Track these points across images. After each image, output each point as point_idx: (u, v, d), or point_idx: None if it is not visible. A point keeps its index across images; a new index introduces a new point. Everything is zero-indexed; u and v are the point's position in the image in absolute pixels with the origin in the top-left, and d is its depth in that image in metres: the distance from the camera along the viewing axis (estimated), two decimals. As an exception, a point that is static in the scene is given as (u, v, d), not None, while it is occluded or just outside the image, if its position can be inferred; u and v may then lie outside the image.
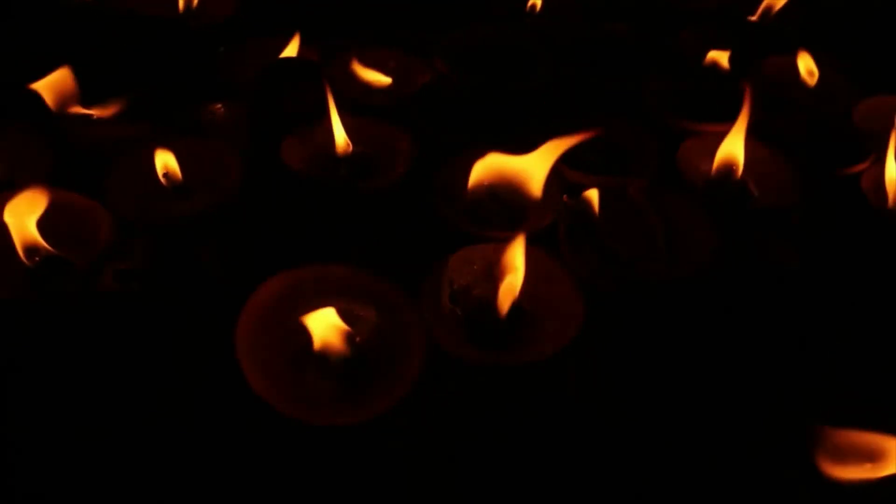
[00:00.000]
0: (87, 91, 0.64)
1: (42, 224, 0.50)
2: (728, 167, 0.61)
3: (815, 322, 0.53)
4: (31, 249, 0.49)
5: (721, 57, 0.77)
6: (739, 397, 0.47)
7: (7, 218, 0.49)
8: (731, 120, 0.68)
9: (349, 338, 0.45)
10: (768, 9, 0.85)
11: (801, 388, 0.49)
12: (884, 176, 0.61)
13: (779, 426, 0.44)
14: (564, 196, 0.54)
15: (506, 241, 0.53)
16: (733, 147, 0.60)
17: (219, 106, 0.67)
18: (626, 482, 0.44)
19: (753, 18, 0.86)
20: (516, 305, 0.50)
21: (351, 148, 0.61)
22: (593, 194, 0.53)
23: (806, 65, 0.76)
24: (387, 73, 0.71)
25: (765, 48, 0.80)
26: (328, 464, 0.44)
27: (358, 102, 0.67)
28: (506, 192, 0.56)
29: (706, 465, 0.44)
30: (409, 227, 0.57)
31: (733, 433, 0.45)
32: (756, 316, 0.53)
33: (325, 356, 0.45)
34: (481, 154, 0.54)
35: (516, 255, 0.47)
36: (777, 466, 0.42)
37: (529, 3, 0.82)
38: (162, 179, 0.56)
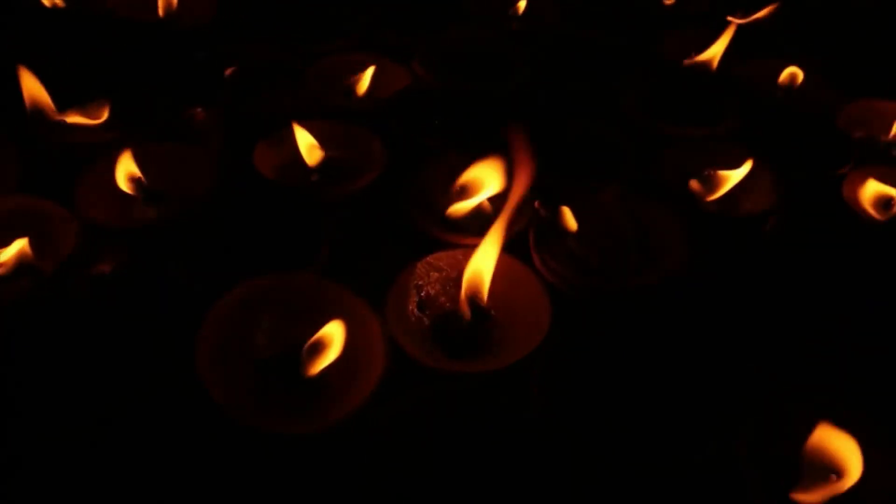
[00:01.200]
0: (63, 95, 0.64)
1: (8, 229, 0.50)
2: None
3: (788, 328, 0.53)
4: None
5: (704, 59, 0.77)
6: (707, 403, 0.47)
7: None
8: (711, 124, 0.68)
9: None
10: (754, 12, 0.84)
11: (773, 395, 0.48)
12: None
13: (746, 433, 0.43)
14: (536, 202, 0.54)
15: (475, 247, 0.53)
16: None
17: (199, 110, 0.67)
18: (589, 487, 0.44)
19: (739, 22, 0.85)
20: (485, 312, 0.50)
21: (322, 154, 0.60)
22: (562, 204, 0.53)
23: (790, 69, 0.75)
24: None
25: (750, 51, 0.80)
26: (288, 472, 0.43)
27: (335, 106, 0.66)
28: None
29: (671, 473, 0.44)
30: (379, 233, 0.56)
31: (698, 441, 0.44)
32: (727, 322, 0.52)
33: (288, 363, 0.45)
34: (452, 160, 0.54)
35: (482, 262, 0.47)
36: (739, 473, 0.41)
37: (512, 7, 0.81)
38: (128, 187, 0.55)
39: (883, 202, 0.62)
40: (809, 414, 0.42)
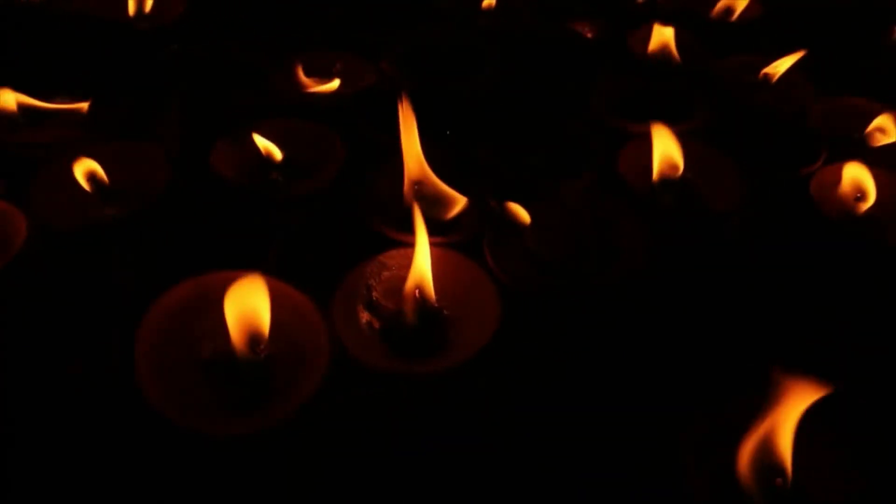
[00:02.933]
0: (29, 92, 0.63)
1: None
2: (669, 170, 0.59)
3: (749, 327, 0.52)
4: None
5: (677, 55, 0.76)
6: (657, 406, 0.46)
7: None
8: (681, 121, 0.67)
9: (253, 344, 0.44)
10: (730, 8, 0.83)
11: (728, 395, 0.47)
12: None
13: (692, 438, 0.42)
14: (492, 200, 0.53)
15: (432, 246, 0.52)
16: (669, 148, 0.59)
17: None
18: (534, 489, 0.43)
19: (714, 17, 0.84)
20: (436, 312, 0.49)
21: (282, 153, 0.60)
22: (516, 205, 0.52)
23: (767, 64, 0.74)
24: (333, 76, 0.70)
25: (725, 47, 0.79)
26: (226, 473, 0.43)
27: (299, 104, 0.66)
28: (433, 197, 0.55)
29: (618, 477, 0.43)
30: (334, 232, 0.56)
31: (644, 446, 0.43)
32: (684, 322, 0.51)
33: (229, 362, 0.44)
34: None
35: (423, 262, 0.46)
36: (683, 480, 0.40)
37: (485, 3, 0.81)
38: (86, 185, 0.55)
39: (856, 195, 0.61)
40: (755, 417, 0.41)
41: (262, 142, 0.58)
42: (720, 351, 0.49)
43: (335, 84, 0.70)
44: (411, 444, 0.44)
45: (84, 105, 0.63)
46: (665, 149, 0.58)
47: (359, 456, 0.43)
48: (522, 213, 0.52)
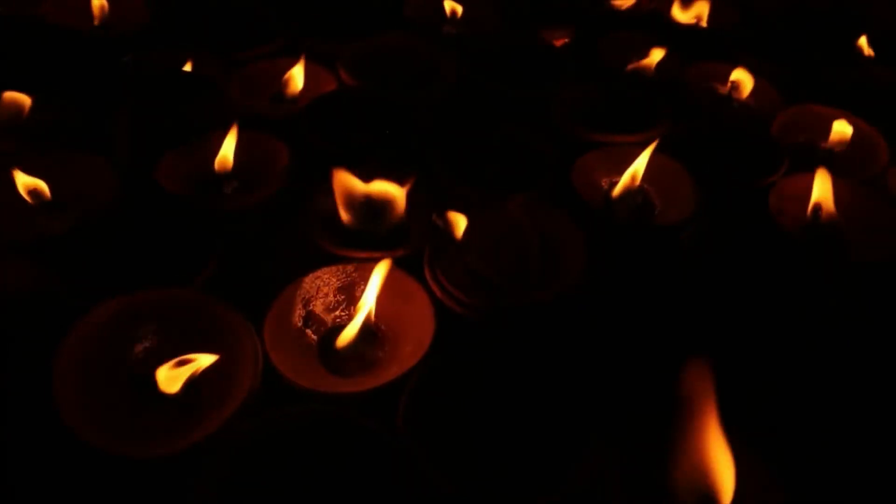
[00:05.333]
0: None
1: None
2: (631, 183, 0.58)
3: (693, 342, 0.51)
4: None
5: (645, 63, 0.75)
6: (589, 424, 0.44)
7: None
8: (643, 130, 0.66)
9: (181, 362, 0.44)
10: (698, 16, 0.82)
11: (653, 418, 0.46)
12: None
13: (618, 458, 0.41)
14: (434, 215, 0.52)
15: (369, 261, 0.51)
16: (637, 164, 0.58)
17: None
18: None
19: (685, 24, 0.83)
20: (373, 329, 0.49)
21: (231, 165, 0.59)
22: (458, 217, 0.51)
23: (736, 74, 0.73)
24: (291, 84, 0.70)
25: (693, 54, 0.78)
26: (149, 494, 0.42)
27: (253, 114, 0.65)
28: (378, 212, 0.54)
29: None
30: (276, 246, 0.55)
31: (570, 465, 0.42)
32: (624, 337, 0.50)
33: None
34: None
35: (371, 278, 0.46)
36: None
37: (449, 10, 0.80)
38: (27, 198, 0.54)
39: (815, 207, 0.59)
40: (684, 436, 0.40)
41: (216, 148, 0.58)
42: (659, 366, 0.48)
43: (295, 91, 0.69)
44: (337, 464, 0.43)
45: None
46: (637, 165, 0.57)
47: (284, 475, 0.42)
48: (463, 227, 0.51)
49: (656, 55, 0.75)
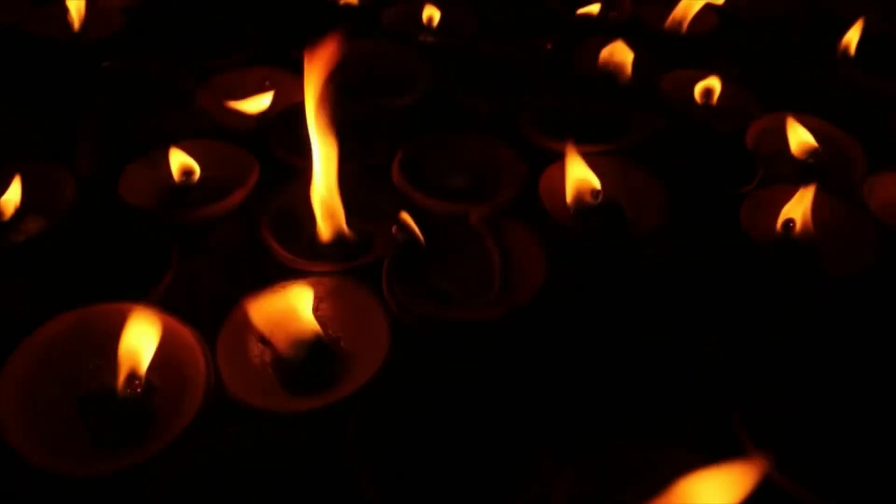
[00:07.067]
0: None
1: None
2: (586, 194, 0.57)
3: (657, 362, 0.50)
4: None
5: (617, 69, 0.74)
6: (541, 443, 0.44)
7: None
8: (615, 139, 0.65)
9: (130, 380, 0.43)
10: (678, 22, 0.81)
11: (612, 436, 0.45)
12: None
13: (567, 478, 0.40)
14: (394, 227, 0.51)
15: (331, 275, 0.51)
16: (583, 172, 0.57)
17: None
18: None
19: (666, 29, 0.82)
20: (329, 346, 0.48)
21: (197, 176, 0.59)
22: (412, 224, 0.50)
23: (706, 80, 0.72)
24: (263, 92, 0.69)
25: (674, 60, 0.77)
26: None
27: (221, 124, 0.65)
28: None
29: None
30: (237, 258, 0.54)
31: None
32: (583, 355, 0.49)
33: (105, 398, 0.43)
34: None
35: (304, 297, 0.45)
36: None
37: (426, 18, 0.79)
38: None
39: (788, 218, 0.58)
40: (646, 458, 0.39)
41: (178, 159, 0.57)
42: (619, 385, 0.47)
43: (266, 99, 0.69)
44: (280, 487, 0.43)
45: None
46: (579, 173, 0.56)
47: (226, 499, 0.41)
48: (422, 240, 0.50)
49: (626, 57, 0.74)
